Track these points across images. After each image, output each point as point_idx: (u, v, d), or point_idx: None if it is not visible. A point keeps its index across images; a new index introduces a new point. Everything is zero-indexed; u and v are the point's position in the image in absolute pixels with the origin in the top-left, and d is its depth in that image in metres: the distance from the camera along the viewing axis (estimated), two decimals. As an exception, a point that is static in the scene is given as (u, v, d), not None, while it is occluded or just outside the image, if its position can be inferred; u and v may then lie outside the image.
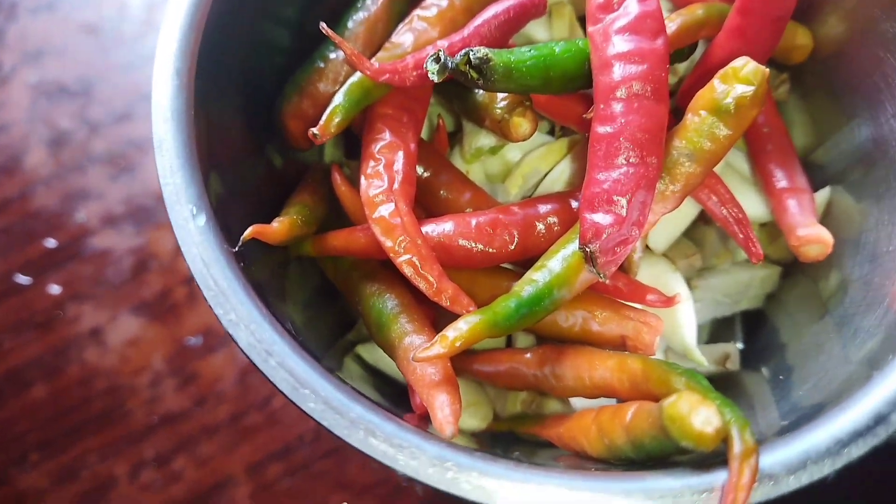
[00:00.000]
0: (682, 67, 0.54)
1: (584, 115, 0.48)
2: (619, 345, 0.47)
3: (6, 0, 0.84)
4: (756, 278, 0.56)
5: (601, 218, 0.41)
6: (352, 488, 0.69)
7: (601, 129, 0.43)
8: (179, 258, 0.75)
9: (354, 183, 0.52)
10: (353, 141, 0.54)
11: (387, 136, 0.47)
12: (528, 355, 0.47)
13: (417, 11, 0.50)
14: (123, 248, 0.75)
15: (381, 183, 0.46)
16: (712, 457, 0.38)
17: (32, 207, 0.77)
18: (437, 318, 0.50)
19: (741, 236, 0.48)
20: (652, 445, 0.38)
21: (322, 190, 0.52)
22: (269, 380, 0.37)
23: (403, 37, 0.49)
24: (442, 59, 0.42)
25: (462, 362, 0.49)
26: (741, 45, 0.49)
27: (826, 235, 0.48)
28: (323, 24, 0.45)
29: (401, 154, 0.47)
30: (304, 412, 0.37)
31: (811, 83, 0.56)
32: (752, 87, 0.42)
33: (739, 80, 0.42)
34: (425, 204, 0.51)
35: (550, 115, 0.52)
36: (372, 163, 0.47)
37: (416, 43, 0.49)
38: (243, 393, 0.71)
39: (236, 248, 0.40)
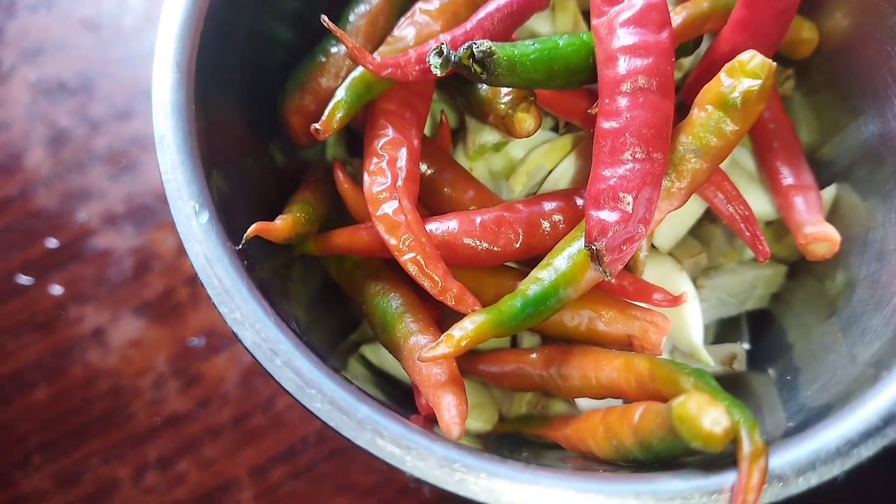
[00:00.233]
0: (686, 62, 0.54)
1: (589, 111, 0.48)
2: (626, 344, 0.46)
3: (5, -2, 0.84)
4: (761, 277, 0.55)
5: (607, 215, 0.40)
6: (356, 490, 0.69)
7: (606, 124, 0.42)
8: (181, 258, 0.75)
9: (357, 181, 0.51)
10: (356, 138, 0.54)
11: (390, 132, 0.47)
12: (534, 356, 0.47)
13: (419, 4, 0.49)
14: (125, 248, 0.75)
15: (385, 180, 0.45)
16: (721, 458, 0.37)
17: (33, 207, 0.77)
18: (441, 317, 0.49)
19: (748, 234, 0.48)
20: (660, 446, 0.37)
21: (324, 187, 0.52)
22: (275, 379, 0.37)
23: (405, 30, 0.49)
24: (445, 53, 0.42)
25: (467, 363, 0.49)
26: (747, 39, 0.48)
27: (833, 233, 0.47)
28: (324, 18, 0.44)
29: (404, 150, 0.47)
30: (311, 412, 0.36)
31: (817, 79, 0.56)
32: (760, 81, 0.41)
33: (746, 73, 0.42)
34: (428, 202, 0.51)
35: (554, 111, 0.51)
36: (375, 159, 0.47)
37: (419, 37, 0.49)
38: (247, 394, 0.70)
39: (240, 246, 0.40)
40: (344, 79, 0.47)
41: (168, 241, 0.75)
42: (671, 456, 0.38)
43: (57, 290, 0.74)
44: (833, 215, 0.53)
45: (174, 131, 0.40)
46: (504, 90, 0.47)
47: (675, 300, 0.48)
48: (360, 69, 0.46)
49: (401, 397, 0.51)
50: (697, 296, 0.52)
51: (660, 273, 0.52)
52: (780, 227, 0.54)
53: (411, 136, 0.47)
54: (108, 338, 0.73)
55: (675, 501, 0.35)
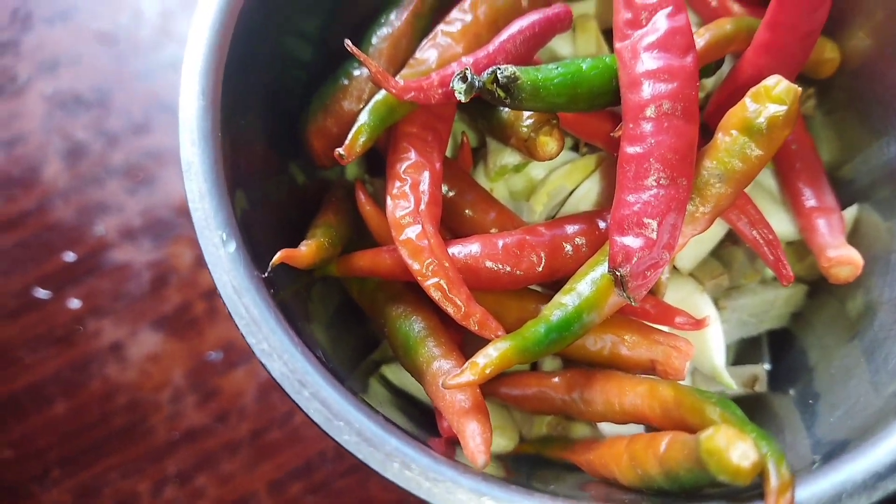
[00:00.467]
0: (709, 83, 0.54)
1: (612, 134, 0.48)
2: (649, 369, 0.46)
3: (21, 10, 0.84)
4: (782, 297, 0.55)
5: (631, 241, 0.40)
6: (373, 505, 0.69)
7: (630, 149, 0.42)
8: (199, 272, 0.75)
9: (378, 201, 0.51)
10: (376, 157, 0.54)
11: (412, 155, 0.47)
12: (557, 380, 0.47)
13: (441, 27, 0.49)
14: (142, 262, 0.75)
15: (408, 204, 0.46)
16: (746, 489, 0.37)
17: (50, 220, 0.77)
18: (463, 340, 0.49)
19: (771, 258, 0.48)
20: (687, 477, 0.37)
21: (346, 208, 0.52)
22: (303, 411, 0.37)
23: (428, 53, 0.49)
24: (469, 79, 0.42)
25: (489, 386, 0.49)
26: (770, 61, 0.48)
27: (856, 257, 0.47)
28: (348, 42, 0.44)
29: (427, 174, 0.47)
30: (339, 444, 0.36)
31: (839, 98, 0.56)
32: (785, 107, 0.41)
33: (772, 99, 0.41)
34: (450, 223, 0.51)
35: (577, 133, 0.51)
36: (398, 183, 0.47)
37: (441, 59, 0.49)
38: (265, 409, 0.71)
39: (266, 274, 0.40)
40: (366, 102, 0.47)
41: (185, 255, 0.75)
42: (696, 487, 0.38)
43: (75, 303, 0.74)
44: (854, 235, 0.53)
45: (201, 159, 0.40)
46: (526, 113, 0.47)
47: (698, 324, 0.48)
48: (382, 93, 0.46)
49: (421, 418, 0.51)
50: (719, 317, 0.51)
51: (681, 294, 0.52)
52: (802, 247, 0.54)
53: (433, 159, 0.47)
54: (127, 352, 0.73)
55: (703, 534, 0.35)
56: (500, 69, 0.42)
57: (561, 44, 0.54)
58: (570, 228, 0.47)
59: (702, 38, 0.48)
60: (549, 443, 0.51)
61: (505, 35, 0.47)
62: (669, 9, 0.45)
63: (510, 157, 0.52)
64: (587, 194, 0.51)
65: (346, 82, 0.49)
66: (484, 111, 0.49)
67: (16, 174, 0.79)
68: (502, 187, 0.54)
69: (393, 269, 0.47)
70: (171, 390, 0.72)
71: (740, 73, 0.49)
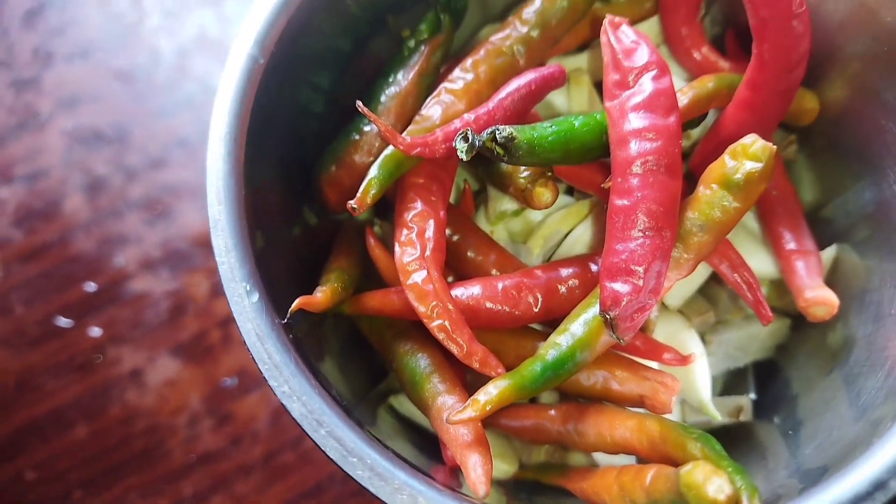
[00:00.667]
0: (695, 132, 0.57)
1: (602, 185, 0.51)
2: (638, 403, 0.50)
3: (42, 48, 0.88)
4: (765, 330, 0.59)
5: (620, 287, 0.44)
6: (380, 525, 0.72)
7: (619, 201, 0.46)
8: (214, 301, 0.78)
9: (386, 242, 0.55)
10: (383, 200, 0.57)
11: (418, 205, 0.51)
12: (552, 412, 0.50)
13: (445, 84, 0.53)
14: (160, 292, 0.79)
15: (414, 251, 0.49)
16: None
17: (72, 252, 0.81)
18: (465, 376, 0.53)
19: (751, 299, 0.51)
20: (670, 507, 0.41)
21: (356, 250, 0.55)
22: (320, 448, 0.40)
23: (432, 109, 0.52)
24: (470, 139, 0.46)
25: (490, 417, 0.52)
26: (750, 117, 0.52)
27: (832, 298, 0.50)
28: (359, 103, 0.48)
29: (432, 222, 0.50)
30: (353, 479, 0.40)
31: (819, 143, 0.59)
32: (761, 164, 0.45)
33: (748, 156, 0.45)
34: (454, 264, 0.55)
35: (570, 182, 0.55)
36: (405, 231, 0.50)
37: (445, 115, 0.52)
38: (277, 432, 0.74)
39: (285, 320, 0.44)
40: (375, 155, 0.51)
41: (202, 286, 0.79)
42: (681, 516, 0.42)
43: (95, 331, 0.78)
44: (833, 274, 0.56)
45: (227, 217, 0.44)
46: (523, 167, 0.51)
47: (685, 360, 0.51)
48: (390, 147, 0.50)
49: (427, 445, 0.55)
50: (705, 351, 0.55)
51: (670, 330, 0.55)
52: (783, 286, 0.57)
53: (438, 207, 0.51)
54: (145, 378, 0.77)
55: (683, 560, 0.39)
56: (498, 130, 0.45)
57: (556, 96, 0.58)
58: (565, 271, 0.51)
59: (685, 95, 0.52)
60: (547, 469, 0.54)
61: (503, 93, 0.51)
62: (654, 72, 0.48)
63: (509, 204, 0.55)
64: (581, 237, 0.55)
65: (357, 137, 0.53)
66: (484, 162, 0.53)
67: (38, 207, 0.82)
68: (502, 230, 0.57)
69: (401, 309, 0.51)
70: (187, 415, 0.75)
71: (723, 128, 0.53)
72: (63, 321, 0.79)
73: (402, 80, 0.53)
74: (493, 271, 0.54)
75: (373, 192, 0.49)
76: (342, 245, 0.56)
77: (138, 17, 0.89)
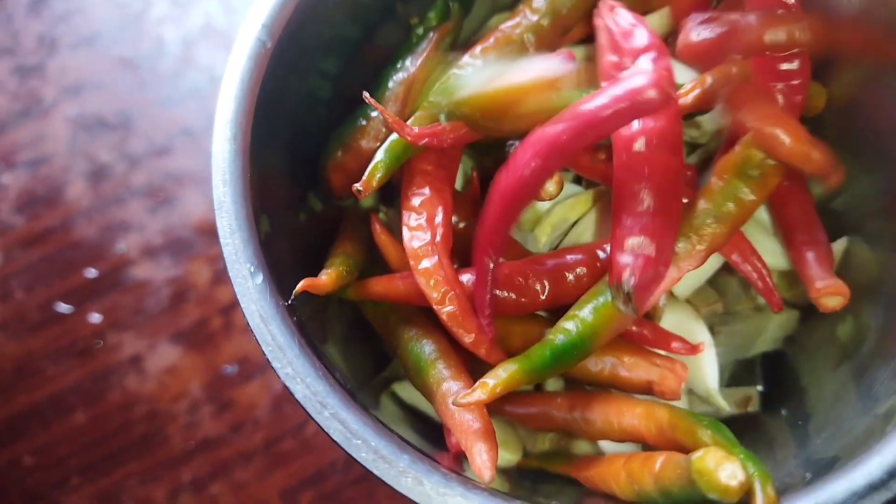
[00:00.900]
0: (705, 121, 0.57)
1: (592, 160, 0.50)
2: (646, 390, 0.49)
3: (47, 35, 0.88)
4: (774, 322, 0.58)
5: (633, 259, 0.44)
6: (381, 515, 0.72)
7: (623, 177, 0.46)
8: (216, 289, 0.78)
9: (391, 227, 0.55)
10: (387, 186, 0.57)
11: (426, 191, 0.50)
12: (559, 399, 0.50)
13: (454, 71, 0.52)
14: (162, 279, 0.78)
15: (425, 236, 0.49)
16: (735, 505, 0.40)
17: (73, 238, 0.81)
18: (469, 363, 0.52)
19: (762, 286, 0.51)
20: (679, 494, 0.40)
21: (361, 235, 0.55)
22: (324, 430, 0.40)
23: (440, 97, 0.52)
24: None
25: (495, 404, 0.51)
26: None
27: (843, 288, 0.50)
28: (366, 94, 0.48)
29: (441, 209, 0.50)
30: (357, 461, 0.39)
31: (830, 135, 0.58)
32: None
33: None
34: (460, 251, 0.54)
35: (576, 170, 0.54)
36: (414, 216, 0.50)
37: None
38: (278, 420, 0.74)
39: (289, 302, 0.43)
40: (382, 141, 0.50)
41: (203, 273, 0.78)
42: (689, 503, 0.41)
43: (96, 318, 0.78)
44: (844, 266, 0.55)
45: (232, 198, 0.43)
46: None
47: (693, 349, 0.50)
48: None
49: (430, 433, 0.54)
50: (713, 341, 0.54)
51: (678, 320, 0.54)
52: (794, 276, 0.57)
53: (446, 193, 0.50)
54: (146, 364, 0.76)
55: (694, 547, 0.38)
56: None
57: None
58: (572, 259, 0.50)
59: (704, 83, 0.51)
60: (552, 458, 0.54)
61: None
62: (654, 53, 0.48)
63: (516, 190, 0.55)
64: (589, 225, 0.54)
65: (363, 123, 0.52)
66: (489, 150, 0.52)
67: (41, 193, 0.82)
68: (509, 216, 0.57)
69: (406, 295, 0.50)
70: (187, 401, 0.75)
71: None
72: (63, 307, 0.78)
73: (411, 66, 0.53)
74: (501, 261, 0.53)
75: (378, 175, 0.49)
76: (347, 231, 0.55)
77: (144, 6, 0.88)
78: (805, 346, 0.59)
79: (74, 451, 0.75)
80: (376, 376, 0.59)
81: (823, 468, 0.44)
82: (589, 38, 0.59)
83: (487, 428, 0.45)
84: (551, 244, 0.56)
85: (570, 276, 0.50)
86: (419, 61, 0.53)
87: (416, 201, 0.49)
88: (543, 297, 0.50)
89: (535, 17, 0.53)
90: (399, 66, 0.53)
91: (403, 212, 0.50)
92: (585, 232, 0.54)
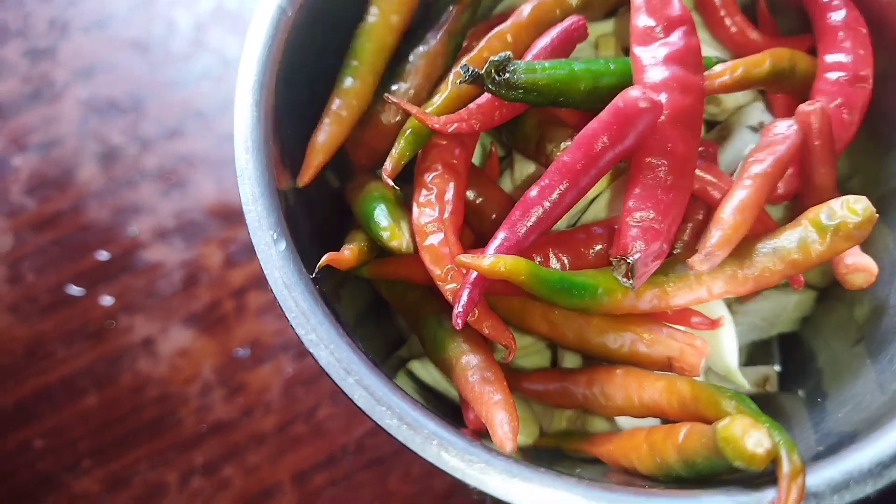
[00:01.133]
0: (726, 98, 0.57)
1: None
2: (665, 366, 0.49)
3: (59, 18, 0.88)
4: (792, 302, 0.58)
5: (641, 234, 0.44)
6: (393, 499, 0.71)
7: (642, 151, 0.46)
8: (228, 272, 0.78)
9: (407, 205, 0.54)
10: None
11: (439, 167, 0.50)
12: (579, 375, 0.50)
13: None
14: (174, 262, 0.78)
15: (433, 212, 0.48)
16: (760, 475, 0.40)
17: (85, 220, 0.80)
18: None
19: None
20: (704, 465, 0.40)
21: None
22: (348, 396, 0.39)
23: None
24: (470, 70, 0.46)
25: (513, 381, 0.51)
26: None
27: (871, 264, 0.49)
28: (387, 95, 0.49)
29: (452, 185, 0.49)
30: (381, 427, 0.39)
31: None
32: (857, 219, 0.44)
33: (849, 209, 0.44)
34: (478, 227, 0.54)
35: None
36: (425, 192, 0.49)
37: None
38: (289, 404, 0.73)
39: (313, 275, 0.43)
40: (402, 115, 0.50)
41: (215, 256, 0.78)
42: (713, 474, 0.41)
43: (107, 300, 0.77)
44: (862, 246, 0.55)
45: (254, 165, 0.43)
46: (549, 133, 0.50)
47: (713, 324, 0.50)
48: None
49: (446, 412, 0.54)
50: (732, 321, 0.54)
51: (695, 297, 0.54)
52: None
53: (459, 170, 0.50)
54: (157, 347, 0.76)
55: (719, 516, 0.38)
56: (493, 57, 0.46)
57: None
58: (592, 235, 0.50)
59: (736, 70, 0.51)
60: (569, 437, 0.53)
61: (529, 55, 0.51)
62: (686, 27, 0.49)
63: (534, 167, 0.55)
64: (606, 203, 0.54)
65: (384, 96, 0.52)
66: (509, 127, 0.52)
67: (52, 175, 0.82)
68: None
69: (422, 273, 0.50)
70: (199, 384, 0.75)
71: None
72: (75, 289, 0.78)
73: (431, 39, 0.53)
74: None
75: (403, 160, 0.49)
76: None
77: (155, -11, 0.88)
78: (821, 326, 0.59)
79: (85, 434, 0.74)
80: (390, 356, 0.59)
81: (844, 441, 0.44)
82: (608, 14, 0.59)
83: (508, 399, 0.45)
84: (569, 220, 0.55)
85: (590, 252, 0.50)
86: (440, 34, 0.53)
87: (428, 177, 0.49)
88: (564, 273, 0.49)
89: None
90: (420, 39, 0.53)
91: (415, 188, 0.50)
92: (604, 209, 0.54)
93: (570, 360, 0.54)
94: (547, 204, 0.45)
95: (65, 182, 0.82)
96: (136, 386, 0.75)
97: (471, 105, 0.49)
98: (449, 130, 0.48)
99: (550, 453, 0.55)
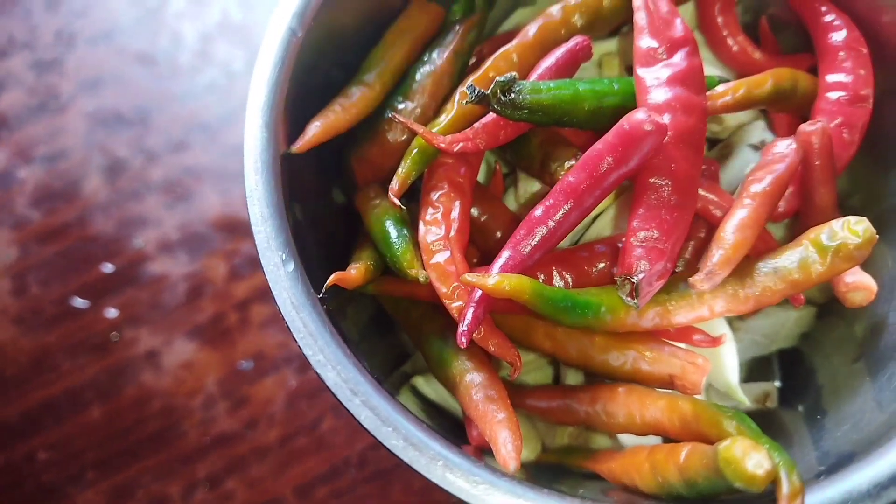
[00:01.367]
0: (728, 118, 0.57)
1: None
2: (667, 384, 0.49)
3: (65, 30, 0.88)
4: (791, 318, 0.59)
5: (646, 253, 0.44)
6: (395, 511, 0.72)
7: (646, 171, 0.47)
8: (232, 284, 0.78)
9: (414, 223, 0.55)
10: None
11: (445, 185, 0.50)
12: (581, 393, 0.50)
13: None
14: (179, 274, 0.78)
15: (439, 230, 0.49)
16: (760, 496, 0.40)
17: (90, 233, 0.81)
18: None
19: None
20: (705, 485, 0.41)
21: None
22: (354, 416, 0.40)
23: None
24: (476, 90, 0.46)
25: (516, 397, 0.52)
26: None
27: (871, 283, 0.50)
28: (394, 114, 0.49)
29: (458, 203, 0.50)
30: (387, 448, 0.39)
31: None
32: (858, 240, 0.44)
33: (850, 230, 0.45)
34: (482, 245, 0.54)
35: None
36: (431, 210, 0.50)
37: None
38: (293, 416, 0.74)
39: (321, 295, 0.44)
40: (409, 133, 0.51)
41: (219, 268, 0.79)
42: (714, 494, 0.41)
43: (112, 313, 0.78)
44: (862, 263, 0.56)
45: (264, 186, 0.43)
46: (553, 152, 0.51)
47: (715, 341, 0.51)
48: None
49: (450, 429, 0.54)
50: (733, 337, 0.55)
51: (697, 315, 0.55)
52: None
53: (465, 189, 0.51)
54: (161, 360, 0.76)
55: (721, 536, 0.38)
56: (500, 78, 0.46)
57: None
58: (595, 253, 0.51)
59: (738, 91, 0.52)
60: (571, 453, 0.54)
61: (534, 74, 0.51)
62: (689, 48, 0.49)
63: (538, 185, 0.55)
64: (610, 220, 0.55)
65: (390, 115, 0.53)
66: (513, 146, 0.52)
67: (58, 188, 0.82)
68: (530, 211, 0.57)
69: (427, 291, 0.50)
70: (203, 397, 0.75)
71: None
72: (79, 302, 0.79)
73: (438, 59, 0.53)
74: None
75: (409, 181, 0.50)
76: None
77: (161, 1, 0.89)
78: (821, 343, 0.60)
79: (89, 446, 0.75)
80: (395, 371, 0.60)
81: (842, 461, 0.44)
82: (611, 33, 0.60)
83: (511, 418, 0.45)
84: (573, 238, 0.56)
85: (594, 270, 0.50)
86: (446, 54, 0.53)
87: (434, 195, 0.50)
88: (568, 292, 0.50)
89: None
90: (426, 58, 0.54)
91: (421, 206, 0.51)
92: (607, 227, 0.55)
93: (573, 377, 0.55)
94: (551, 223, 0.46)
95: (70, 194, 0.82)
96: (140, 398, 0.75)
97: (476, 124, 0.50)
98: (455, 150, 0.49)
99: (553, 468, 0.55)
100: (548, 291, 0.45)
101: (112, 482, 0.74)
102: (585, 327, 0.47)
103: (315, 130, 0.48)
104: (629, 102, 0.50)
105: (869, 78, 0.54)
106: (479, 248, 0.55)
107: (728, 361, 0.53)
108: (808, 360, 0.60)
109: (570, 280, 0.50)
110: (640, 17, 0.50)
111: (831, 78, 0.55)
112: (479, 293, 0.44)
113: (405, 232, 0.49)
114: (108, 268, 0.79)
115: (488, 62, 0.52)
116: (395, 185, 0.50)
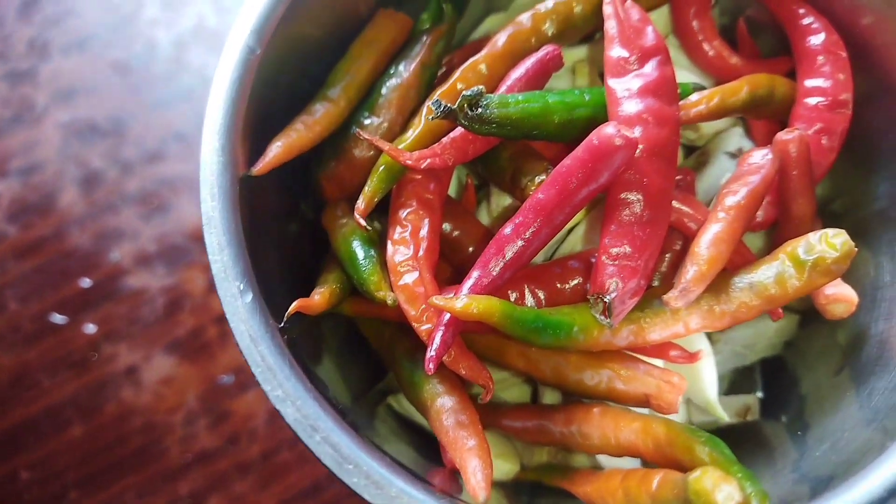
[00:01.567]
0: (704, 126, 0.56)
1: None
2: (643, 402, 0.48)
3: (38, 39, 0.87)
4: (773, 327, 0.57)
5: (618, 271, 0.43)
6: (380, 524, 0.71)
7: (619, 185, 0.45)
8: (211, 297, 0.77)
9: (383, 239, 0.54)
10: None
11: (414, 203, 0.49)
12: (556, 413, 0.49)
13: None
14: (157, 288, 0.77)
15: (408, 250, 0.48)
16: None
17: (67, 247, 0.80)
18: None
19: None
20: (677, 513, 0.40)
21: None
22: (315, 454, 0.39)
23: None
24: (442, 105, 0.44)
25: (491, 417, 0.51)
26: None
27: (851, 294, 0.49)
28: (358, 130, 0.48)
29: (427, 221, 0.49)
30: (348, 486, 0.38)
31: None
32: (835, 254, 0.43)
33: (828, 244, 0.43)
34: (454, 260, 0.53)
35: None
36: (399, 229, 0.49)
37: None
38: (274, 431, 0.73)
39: (282, 325, 0.42)
40: (376, 149, 0.50)
41: (198, 281, 0.77)
42: (687, 522, 0.40)
43: (91, 328, 0.77)
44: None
45: (221, 214, 0.42)
46: (523, 166, 0.49)
47: (692, 357, 0.50)
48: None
49: (426, 446, 0.54)
50: (712, 350, 0.53)
51: (675, 329, 0.54)
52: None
53: (434, 205, 0.49)
54: (141, 375, 0.75)
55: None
56: (466, 92, 0.45)
57: (561, 87, 0.56)
58: (568, 268, 0.49)
59: (712, 100, 0.51)
60: (549, 471, 0.53)
61: (504, 86, 0.50)
62: (660, 57, 0.48)
63: (510, 199, 0.54)
64: (582, 235, 0.53)
65: (356, 131, 0.52)
66: (484, 160, 0.51)
67: (33, 201, 0.81)
68: (504, 225, 0.56)
69: (397, 313, 0.49)
70: (184, 413, 0.74)
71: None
72: (58, 318, 0.78)
73: (404, 71, 0.52)
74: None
75: (376, 199, 0.49)
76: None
77: (135, 8, 0.87)
78: (805, 351, 0.58)
79: (71, 464, 0.74)
80: (372, 388, 0.59)
81: (823, 482, 0.43)
82: (582, 39, 0.58)
83: (482, 445, 0.44)
84: (546, 253, 0.55)
85: (566, 287, 0.49)
86: (413, 66, 0.52)
87: (402, 213, 0.49)
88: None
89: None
90: (392, 71, 0.52)
91: (389, 225, 0.49)
92: (580, 241, 0.53)
93: (550, 395, 0.54)
94: (521, 242, 0.45)
95: (46, 208, 0.81)
96: (121, 415, 0.74)
97: (444, 139, 0.48)
98: (422, 166, 0.47)
99: (531, 487, 0.54)
100: (518, 312, 0.44)
101: (95, 500, 0.73)
102: (558, 348, 0.46)
103: (276, 151, 0.47)
104: (600, 114, 0.48)
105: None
106: (451, 263, 0.54)
107: (706, 376, 0.52)
108: (791, 368, 0.59)
109: (542, 297, 0.49)
110: (610, 26, 0.49)
111: (810, 83, 0.53)
112: (447, 316, 0.43)
113: (372, 253, 0.48)
114: (85, 282, 0.78)
115: (456, 74, 0.51)
116: (360, 204, 0.49)
